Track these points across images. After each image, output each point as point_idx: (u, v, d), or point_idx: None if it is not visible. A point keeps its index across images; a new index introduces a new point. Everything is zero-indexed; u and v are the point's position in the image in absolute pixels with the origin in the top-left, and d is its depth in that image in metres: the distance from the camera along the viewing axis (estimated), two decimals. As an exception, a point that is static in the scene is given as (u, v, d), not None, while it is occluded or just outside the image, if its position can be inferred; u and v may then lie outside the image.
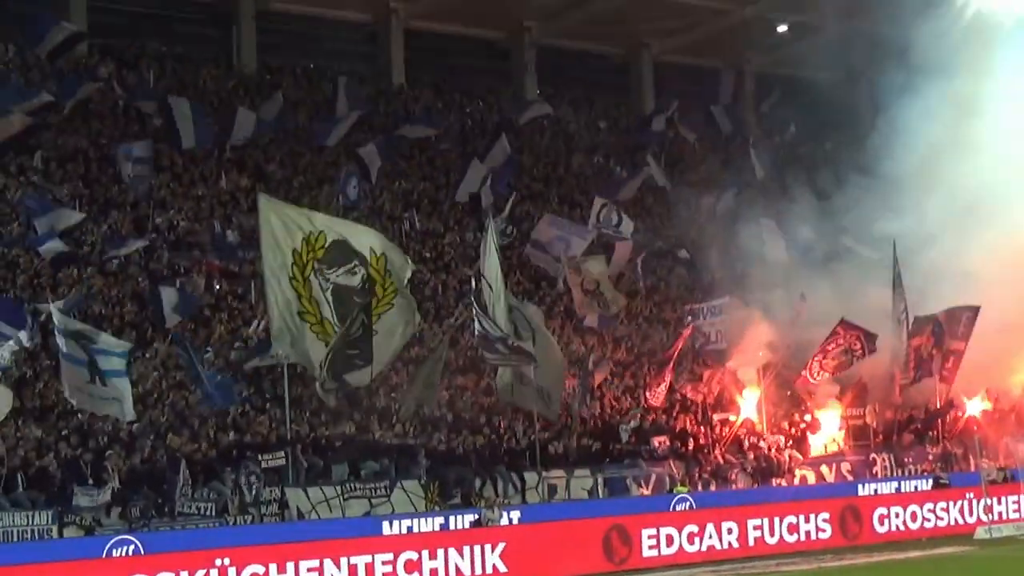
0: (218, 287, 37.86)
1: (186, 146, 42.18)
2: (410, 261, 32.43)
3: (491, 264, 33.26)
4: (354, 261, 30.72)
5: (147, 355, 33.33)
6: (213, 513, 28.65)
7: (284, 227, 30.42)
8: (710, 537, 30.23)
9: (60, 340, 28.33)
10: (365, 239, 31.31)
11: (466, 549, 27.33)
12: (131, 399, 28.76)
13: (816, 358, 38.29)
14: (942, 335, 39.27)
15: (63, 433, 29.34)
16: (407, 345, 33.54)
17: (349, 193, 43.23)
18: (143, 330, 34.31)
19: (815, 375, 38.58)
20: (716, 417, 38.72)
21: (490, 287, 33.11)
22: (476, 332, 32.78)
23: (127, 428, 30.00)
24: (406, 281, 31.54)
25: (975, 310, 39.29)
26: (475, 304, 33.03)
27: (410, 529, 29.04)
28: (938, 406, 40.23)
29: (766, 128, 58.92)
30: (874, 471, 38.33)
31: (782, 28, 58.47)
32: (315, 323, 30.39)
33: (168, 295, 34.22)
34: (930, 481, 35.98)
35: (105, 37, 46.89)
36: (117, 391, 28.36)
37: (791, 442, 38.59)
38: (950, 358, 39.61)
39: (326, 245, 30.50)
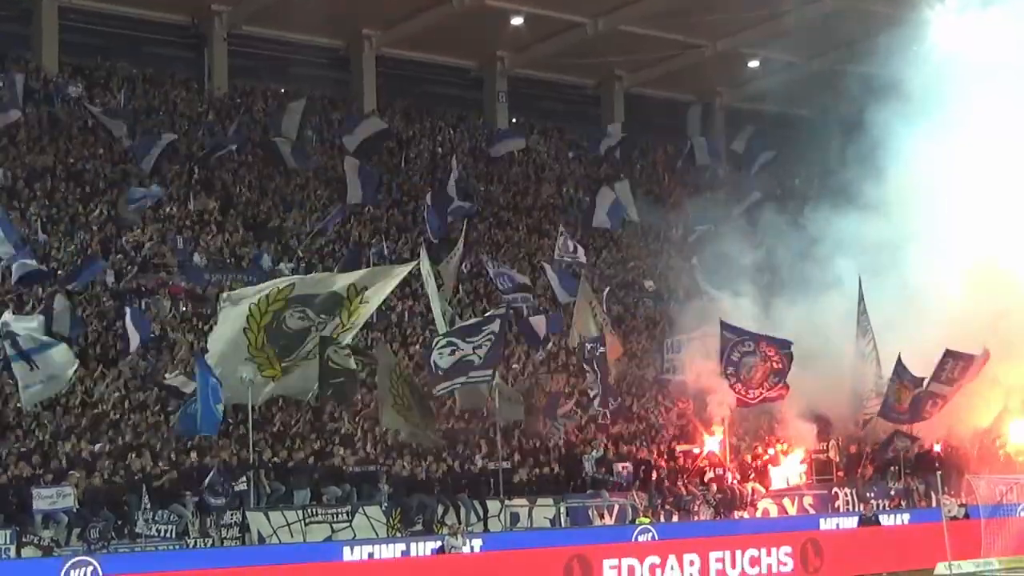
0: (184, 309, 37.72)
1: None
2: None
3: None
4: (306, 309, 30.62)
5: (109, 376, 33.17)
6: (173, 535, 28.44)
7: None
8: (672, 568, 30.03)
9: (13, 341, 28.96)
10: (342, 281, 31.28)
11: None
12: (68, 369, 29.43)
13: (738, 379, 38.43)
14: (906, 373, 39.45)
15: (23, 451, 29.12)
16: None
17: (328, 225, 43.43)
18: (106, 350, 34.19)
19: (750, 396, 38.59)
20: (679, 448, 38.76)
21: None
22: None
23: (88, 449, 29.85)
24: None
25: (970, 359, 39.55)
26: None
27: (371, 555, 28.85)
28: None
29: (736, 160, 59.13)
30: (836, 505, 38.39)
31: (753, 63, 58.84)
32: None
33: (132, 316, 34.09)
34: (857, 519, 35.94)
35: (76, 57, 46.78)
36: (49, 368, 28.92)
37: (753, 475, 38.64)
38: (931, 400, 39.78)
39: (289, 296, 30.41)
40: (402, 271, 32.94)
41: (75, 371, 30.62)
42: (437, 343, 33.09)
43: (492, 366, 33.27)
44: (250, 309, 30.26)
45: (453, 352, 32.79)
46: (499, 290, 43.04)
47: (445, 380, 33.04)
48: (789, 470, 39.43)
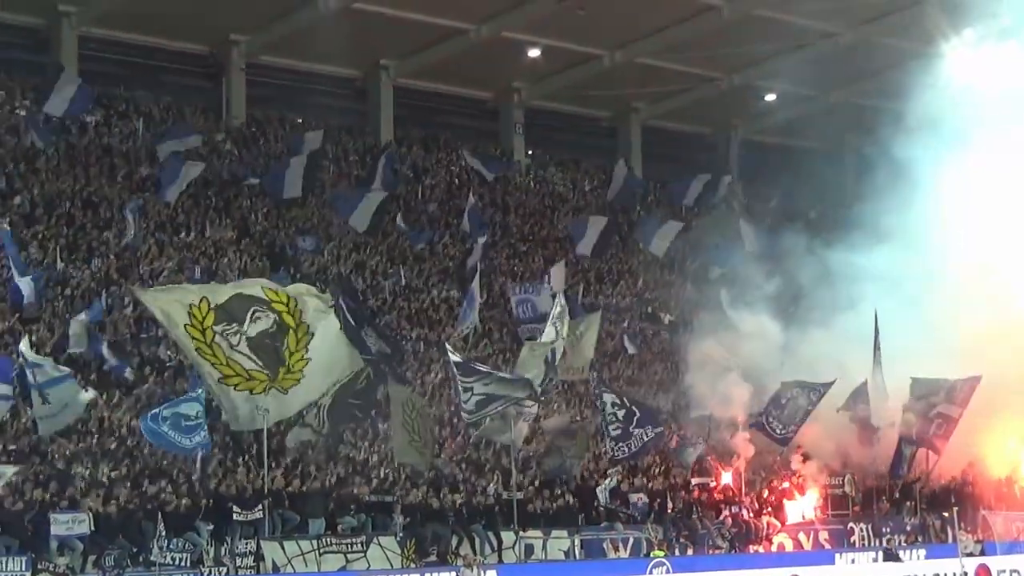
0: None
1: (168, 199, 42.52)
2: (326, 304, 30.98)
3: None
4: (253, 308, 29.83)
5: (125, 402, 33.18)
6: (188, 564, 28.44)
7: (168, 310, 29.72)
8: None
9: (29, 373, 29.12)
10: (256, 287, 30.57)
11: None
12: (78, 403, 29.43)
13: (770, 415, 38.43)
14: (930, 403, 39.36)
15: (40, 478, 29.11)
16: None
17: (306, 246, 43.51)
18: (123, 376, 34.22)
19: (777, 432, 38.61)
20: (695, 481, 38.66)
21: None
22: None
23: (104, 475, 29.86)
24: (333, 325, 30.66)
25: (976, 379, 39.47)
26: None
27: (386, 586, 28.91)
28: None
29: (752, 194, 59.13)
30: (851, 540, 38.26)
31: (770, 97, 58.90)
32: (241, 381, 29.87)
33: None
34: (881, 554, 35.78)
35: (95, 85, 46.92)
36: (60, 401, 29.06)
37: (769, 509, 38.53)
38: (940, 423, 39.62)
39: (212, 307, 29.54)
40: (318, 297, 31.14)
41: (90, 400, 30.67)
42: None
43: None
44: (185, 327, 29.65)
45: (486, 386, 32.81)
46: (518, 319, 43.11)
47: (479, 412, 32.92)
48: (804, 504, 39.30)
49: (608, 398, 35.85)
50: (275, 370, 29.91)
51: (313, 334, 30.14)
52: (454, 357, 33.44)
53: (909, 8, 49.53)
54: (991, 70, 45.68)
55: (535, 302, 43.68)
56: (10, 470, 28.49)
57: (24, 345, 30.34)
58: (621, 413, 35.49)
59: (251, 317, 29.71)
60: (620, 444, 35.61)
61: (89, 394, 30.44)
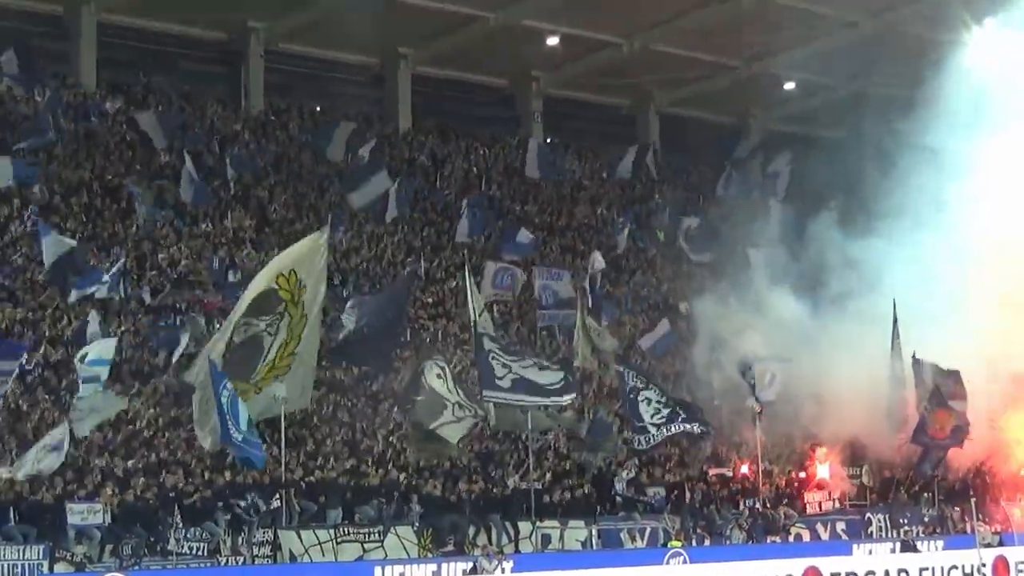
0: (218, 326, 37.69)
1: (184, 199, 42.43)
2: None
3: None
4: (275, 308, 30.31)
5: (143, 393, 33.22)
6: (205, 553, 28.51)
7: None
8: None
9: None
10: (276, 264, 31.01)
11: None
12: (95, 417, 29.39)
13: None
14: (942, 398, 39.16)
15: (57, 467, 29.15)
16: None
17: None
18: (141, 366, 34.28)
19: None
20: (712, 472, 38.62)
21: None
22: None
23: (122, 465, 29.93)
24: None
25: (955, 375, 39.37)
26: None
27: (402, 575, 28.88)
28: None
29: (770, 183, 58.91)
30: (869, 531, 38.18)
31: (789, 85, 58.72)
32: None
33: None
34: (898, 545, 35.70)
35: (114, 73, 46.97)
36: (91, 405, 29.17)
37: (785, 499, 38.48)
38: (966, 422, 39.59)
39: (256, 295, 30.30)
40: (317, 237, 31.61)
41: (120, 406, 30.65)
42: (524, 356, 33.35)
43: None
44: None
45: (543, 370, 33.09)
46: (539, 306, 43.10)
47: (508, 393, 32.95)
48: (822, 495, 39.19)
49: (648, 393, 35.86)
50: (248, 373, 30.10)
51: (307, 315, 30.46)
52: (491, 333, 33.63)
53: (929, -4, 49.34)
54: (1012, 58, 45.52)
55: (555, 288, 43.76)
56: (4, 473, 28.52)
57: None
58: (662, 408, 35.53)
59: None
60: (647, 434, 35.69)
61: (120, 401, 30.34)
